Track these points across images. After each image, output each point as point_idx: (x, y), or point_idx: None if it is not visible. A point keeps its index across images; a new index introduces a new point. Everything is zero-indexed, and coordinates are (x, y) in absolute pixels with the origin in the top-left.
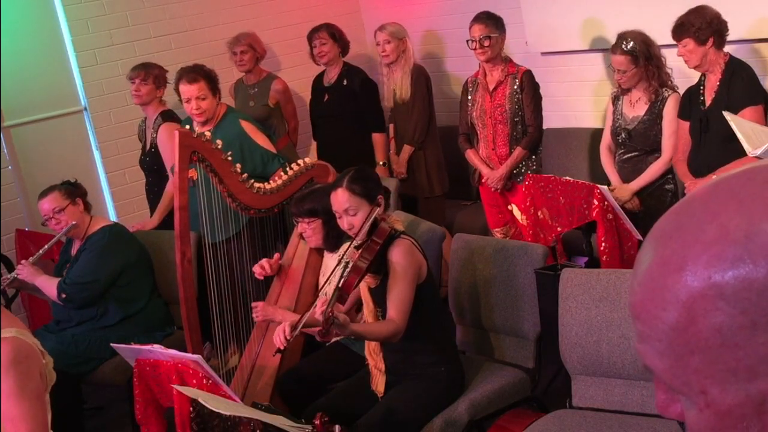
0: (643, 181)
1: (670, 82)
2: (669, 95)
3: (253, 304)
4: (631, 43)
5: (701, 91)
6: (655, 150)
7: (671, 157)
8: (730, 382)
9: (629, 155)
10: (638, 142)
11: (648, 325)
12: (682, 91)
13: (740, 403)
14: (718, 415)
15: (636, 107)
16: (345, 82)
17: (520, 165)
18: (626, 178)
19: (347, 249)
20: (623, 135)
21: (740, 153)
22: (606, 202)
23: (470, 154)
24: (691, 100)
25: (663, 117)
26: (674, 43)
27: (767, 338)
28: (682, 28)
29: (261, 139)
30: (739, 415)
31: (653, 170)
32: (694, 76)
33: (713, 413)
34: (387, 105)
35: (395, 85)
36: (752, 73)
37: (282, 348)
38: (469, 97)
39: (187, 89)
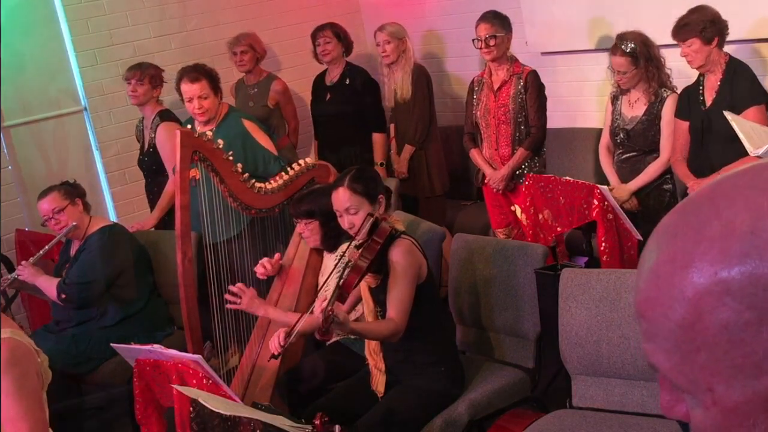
0: (642, 182)
1: (669, 83)
2: (668, 96)
3: (240, 285)
4: (631, 45)
5: (700, 91)
6: (654, 150)
7: (670, 157)
8: (737, 378)
9: (628, 155)
10: (637, 143)
11: (654, 323)
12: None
13: (747, 400)
14: (725, 412)
15: (635, 107)
16: (347, 82)
17: (523, 166)
18: (625, 178)
19: (347, 248)
20: (622, 135)
21: (742, 153)
22: (606, 202)
23: (474, 154)
24: (690, 100)
25: (662, 117)
26: (674, 43)
27: None
28: (686, 28)
29: (263, 139)
30: (746, 412)
31: (652, 170)
32: (695, 77)
33: (719, 411)
34: (388, 105)
35: (396, 85)
36: (752, 73)
37: (276, 354)
38: (475, 97)
39: (189, 88)
